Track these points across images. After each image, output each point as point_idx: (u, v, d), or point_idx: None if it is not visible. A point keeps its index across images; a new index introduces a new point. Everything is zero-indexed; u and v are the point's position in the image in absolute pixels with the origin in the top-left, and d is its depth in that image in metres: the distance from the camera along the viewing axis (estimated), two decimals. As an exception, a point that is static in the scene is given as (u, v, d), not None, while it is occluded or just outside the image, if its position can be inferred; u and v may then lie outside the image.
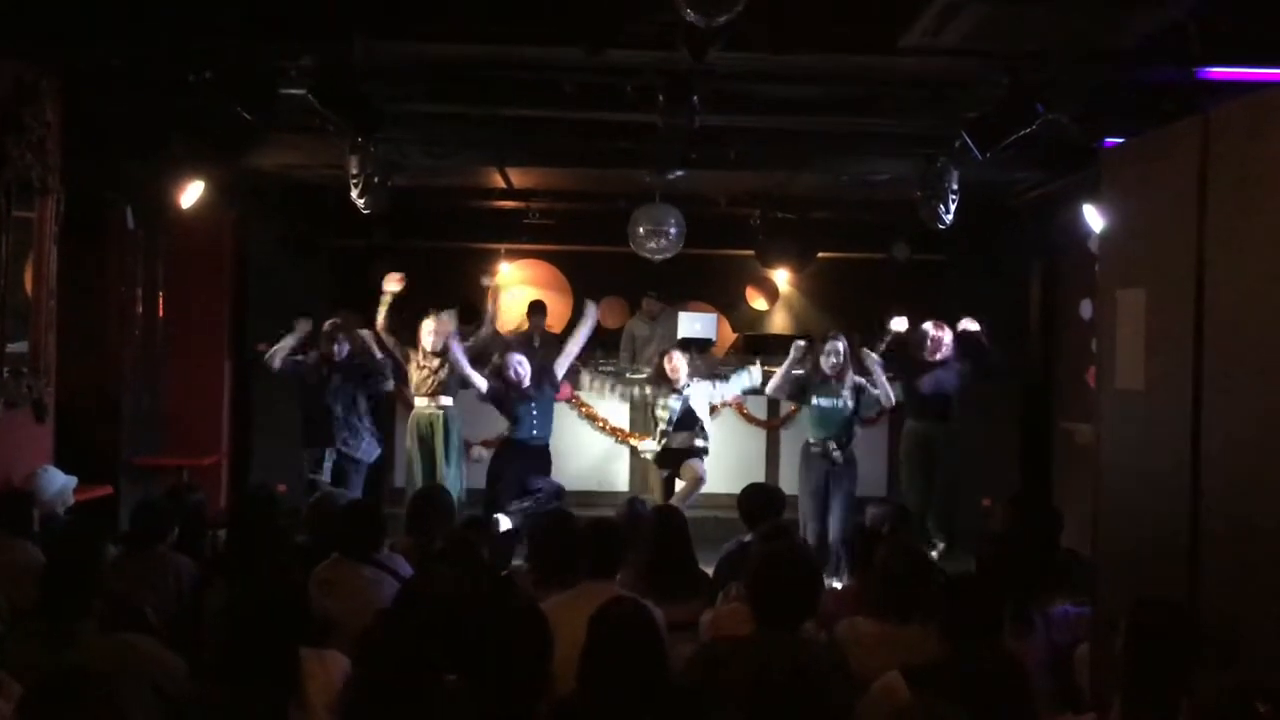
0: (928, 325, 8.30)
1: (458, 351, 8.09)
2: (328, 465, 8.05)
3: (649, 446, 8.75)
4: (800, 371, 7.99)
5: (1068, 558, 4.93)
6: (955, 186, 7.94)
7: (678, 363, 8.21)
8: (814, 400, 7.88)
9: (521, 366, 8.16)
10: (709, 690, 3.34)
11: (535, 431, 8.28)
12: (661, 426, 8.22)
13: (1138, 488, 3.60)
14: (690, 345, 10.27)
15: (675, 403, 8.15)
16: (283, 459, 8.78)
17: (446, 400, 8.24)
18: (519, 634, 3.14)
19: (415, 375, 8.26)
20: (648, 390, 8.44)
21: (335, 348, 8.06)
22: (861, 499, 7.61)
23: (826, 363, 7.86)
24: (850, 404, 7.82)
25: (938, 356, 8.20)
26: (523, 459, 8.22)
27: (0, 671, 3.19)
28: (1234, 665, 2.97)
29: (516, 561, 5.98)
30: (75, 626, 3.58)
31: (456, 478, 8.24)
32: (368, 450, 8.25)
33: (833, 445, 7.79)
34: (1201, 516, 3.23)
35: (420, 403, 8.25)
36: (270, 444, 9.44)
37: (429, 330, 8.15)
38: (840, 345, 7.90)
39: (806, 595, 3.64)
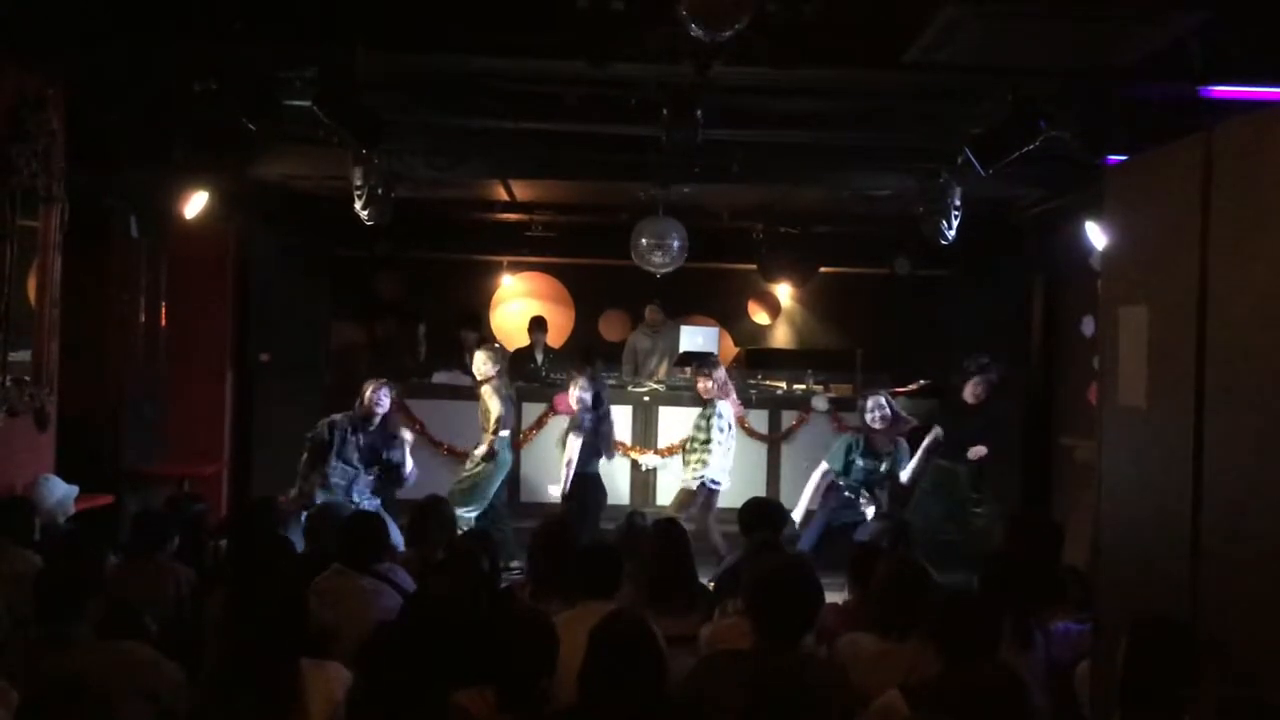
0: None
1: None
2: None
3: (650, 460, 8.75)
4: None
5: (1068, 574, 4.92)
6: (958, 202, 7.95)
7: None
8: None
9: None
10: (708, 704, 3.33)
11: None
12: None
13: (1139, 504, 3.59)
14: (691, 359, 10.26)
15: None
16: (284, 469, 8.75)
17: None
18: (523, 643, 3.14)
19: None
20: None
21: (375, 395, 7.74)
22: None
23: None
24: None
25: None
26: None
27: (-1, 679, 3.19)
28: (1233, 681, 2.97)
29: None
30: (73, 634, 3.58)
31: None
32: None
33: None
34: (1202, 533, 3.22)
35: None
36: (272, 454, 9.42)
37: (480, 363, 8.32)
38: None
39: (806, 610, 3.62)
